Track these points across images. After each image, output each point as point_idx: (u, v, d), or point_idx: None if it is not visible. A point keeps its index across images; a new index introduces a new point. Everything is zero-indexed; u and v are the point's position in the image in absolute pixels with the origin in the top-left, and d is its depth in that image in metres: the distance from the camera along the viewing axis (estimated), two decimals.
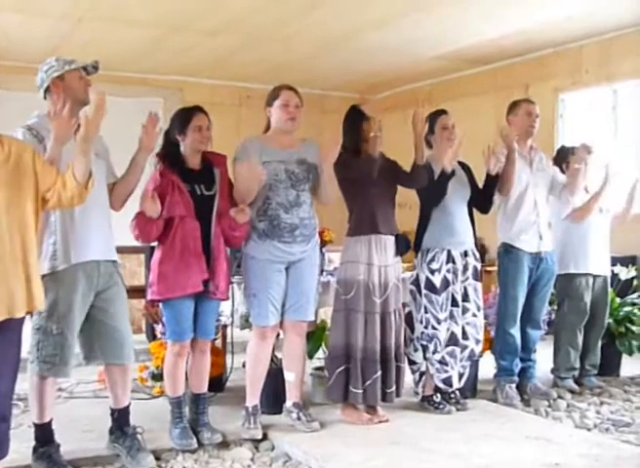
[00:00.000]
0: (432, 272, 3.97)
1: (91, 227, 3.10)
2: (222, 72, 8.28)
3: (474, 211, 4.19)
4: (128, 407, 3.34)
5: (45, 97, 3.15)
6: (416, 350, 4.03)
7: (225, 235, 3.54)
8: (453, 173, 3.97)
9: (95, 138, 2.93)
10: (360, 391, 3.70)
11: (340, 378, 3.73)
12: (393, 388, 3.80)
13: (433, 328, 3.95)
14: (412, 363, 4.04)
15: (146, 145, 3.28)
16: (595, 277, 4.78)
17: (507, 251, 4.40)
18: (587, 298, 4.75)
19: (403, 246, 3.89)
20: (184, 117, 3.53)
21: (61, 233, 3.06)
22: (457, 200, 4.04)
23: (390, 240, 3.83)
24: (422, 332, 3.99)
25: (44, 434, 3.17)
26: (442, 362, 3.97)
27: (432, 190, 3.97)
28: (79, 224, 3.07)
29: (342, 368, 3.72)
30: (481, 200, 4.20)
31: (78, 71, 3.13)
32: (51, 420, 3.18)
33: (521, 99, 4.67)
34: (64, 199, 2.84)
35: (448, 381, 3.98)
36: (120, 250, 3.37)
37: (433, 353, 3.96)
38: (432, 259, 3.98)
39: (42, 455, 3.13)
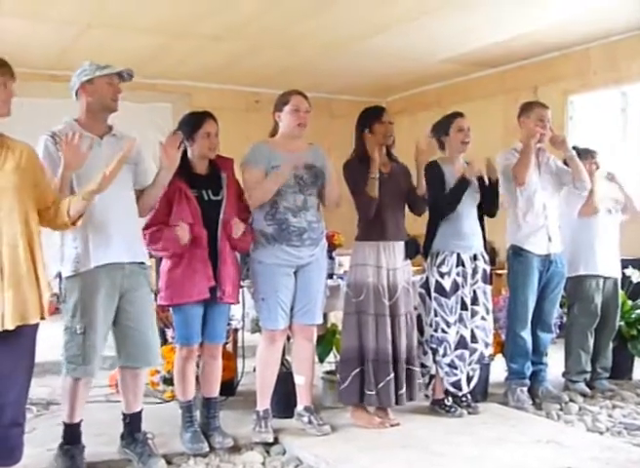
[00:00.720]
0: (442, 275, 3.96)
1: (112, 230, 3.12)
2: (230, 77, 8.28)
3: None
4: (140, 412, 3.35)
5: (77, 99, 3.19)
6: (425, 353, 4.02)
7: (231, 242, 3.54)
8: (467, 181, 3.92)
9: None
10: (373, 393, 3.70)
11: (355, 381, 3.73)
12: (403, 390, 3.78)
13: (443, 331, 3.95)
14: (421, 366, 4.02)
15: (167, 165, 3.27)
16: (605, 279, 4.77)
17: (517, 253, 4.38)
18: (598, 300, 4.73)
19: (412, 249, 3.89)
20: (194, 122, 3.53)
21: (82, 236, 3.08)
22: (466, 203, 4.02)
23: (400, 245, 3.83)
24: (432, 336, 3.99)
25: (72, 434, 3.20)
26: (451, 365, 3.97)
27: (447, 197, 3.96)
28: (99, 227, 3.09)
29: (357, 370, 3.72)
30: (486, 204, 4.14)
31: (108, 77, 3.15)
32: (80, 421, 3.20)
33: (534, 102, 4.62)
34: (53, 225, 2.93)
35: (457, 384, 3.98)
36: None
37: (443, 356, 3.96)
38: (442, 263, 3.98)
39: (66, 453, 3.17)
